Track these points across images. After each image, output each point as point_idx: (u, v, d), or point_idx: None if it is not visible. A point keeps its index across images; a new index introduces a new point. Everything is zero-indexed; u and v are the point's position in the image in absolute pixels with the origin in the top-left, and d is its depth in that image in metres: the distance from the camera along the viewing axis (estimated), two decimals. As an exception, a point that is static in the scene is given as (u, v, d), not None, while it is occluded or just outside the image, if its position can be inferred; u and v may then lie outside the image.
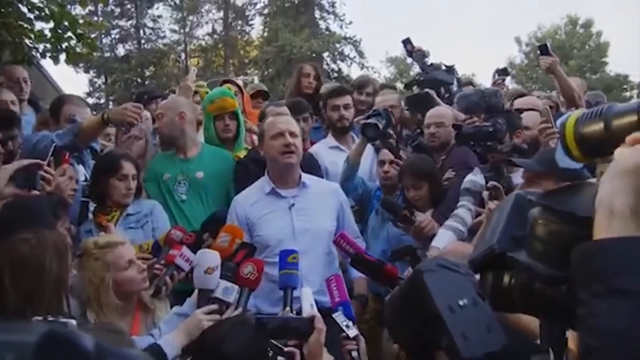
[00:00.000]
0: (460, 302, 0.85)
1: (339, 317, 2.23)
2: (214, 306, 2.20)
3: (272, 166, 2.98)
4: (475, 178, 3.11)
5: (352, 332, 2.17)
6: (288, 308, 2.25)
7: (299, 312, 2.19)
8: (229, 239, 2.47)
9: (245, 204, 2.93)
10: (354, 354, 2.14)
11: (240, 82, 4.81)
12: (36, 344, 0.40)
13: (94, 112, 3.89)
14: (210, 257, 2.28)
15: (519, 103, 4.00)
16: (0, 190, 2.34)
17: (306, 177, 3.02)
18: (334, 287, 2.33)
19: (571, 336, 1.14)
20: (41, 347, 0.40)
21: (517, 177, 2.95)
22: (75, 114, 3.41)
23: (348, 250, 2.59)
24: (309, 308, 2.12)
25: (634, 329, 0.64)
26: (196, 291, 2.28)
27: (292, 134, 2.90)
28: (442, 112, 3.60)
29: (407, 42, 4.34)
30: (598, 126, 0.83)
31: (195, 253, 2.45)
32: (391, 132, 3.68)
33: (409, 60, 4.43)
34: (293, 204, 2.90)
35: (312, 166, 3.37)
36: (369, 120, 3.39)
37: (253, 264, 2.31)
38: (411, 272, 0.92)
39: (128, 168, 3.01)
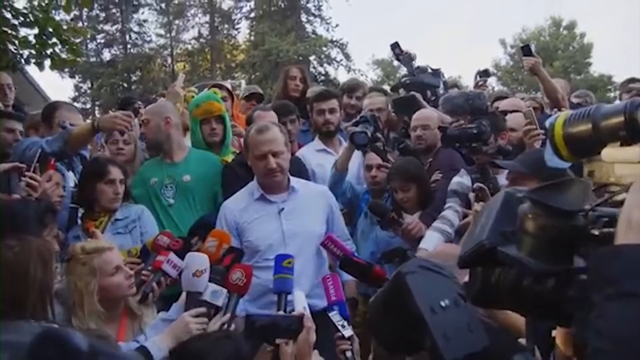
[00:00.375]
0: (442, 303, 0.86)
1: (334, 316, 2.23)
2: (202, 309, 2.19)
3: (259, 178, 2.97)
4: (462, 180, 3.14)
5: (348, 332, 2.17)
6: (282, 312, 2.24)
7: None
8: (216, 244, 2.47)
9: (235, 210, 2.92)
10: (348, 354, 2.15)
11: (229, 86, 4.79)
12: (30, 344, 0.40)
13: (86, 119, 3.90)
14: (198, 260, 2.27)
15: (503, 105, 4.04)
16: None
17: (295, 181, 3.01)
18: (331, 285, 2.33)
19: (559, 335, 1.15)
20: (35, 347, 0.40)
21: (503, 178, 2.98)
22: (67, 120, 3.42)
23: (336, 252, 2.60)
24: (301, 310, 2.12)
25: None
26: (184, 294, 2.27)
27: (275, 154, 2.85)
28: (428, 115, 3.61)
29: (395, 46, 4.36)
30: (586, 127, 0.85)
31: (182, 259, 2.44)
32: (379, 135, 3.69)
33: (396, 62, 4.46)
34: (282, 209, 2.89)
35: (299, 170, 3.36)
36: (357, 129, 3.39)
37: (242, 270, 2.30)
38: (393, 274, 0.93)
39: (115, 173, 3.01)
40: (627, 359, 0.65)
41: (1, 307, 1.56)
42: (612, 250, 0.73)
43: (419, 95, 4.02)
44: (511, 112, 3.75)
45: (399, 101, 4.16)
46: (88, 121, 3.29)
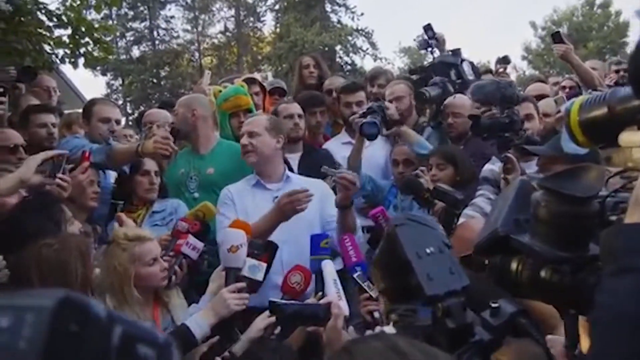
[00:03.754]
0: (427, 250, 0.94)
1: (359, 277, 2.21)
2: (241, 284, 2.22)
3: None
4: (493, 167, 3.10)
5: (375, 292, 2.16)
6: (320, 293, 2.23)
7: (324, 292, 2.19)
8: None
9: (233, 193, 2.98)
10: (376, 314, 2.14)
11: (260, 79, 4.77)
12: (53, 308, 0.42)
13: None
14: (233, 236, 2.28)
15: (528, 91, 4.00)
16: (29, 178, 2.39)
17: (291, 173, 3.09)
18: (349, 246, 2.31)
19: (580, 325, 1.15)
20: (57, 311, 0.42)
21: (532, 166, 2.95)
22: (104, 114, 3.52)
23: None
24: (332, 287, 2.12)
25: (634, 303, 0.67)
26: (211, 284, 2.32)
27: (251, 134, 2.95)
28: (460, 102, 3.54)
29: (428, 28, 4.20)
30: (602, 111, 0.86)
31: (203, 242, 2.55)
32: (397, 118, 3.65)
33: (423, 50, 4.36)
34: (276, 196, 2.91)
35: (329, 163, 3.35)
36: (365, 120, 3.34)
37: (302, 274, 2.30)
38: (388, 228, 1.02)
39: (149, 164, 3.12)
40: (621, 330, 0.66)
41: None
42: (615, 229, 0.75)
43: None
44: (537, 96, 3.69)
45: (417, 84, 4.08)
46: (134, 143, 3.29)
